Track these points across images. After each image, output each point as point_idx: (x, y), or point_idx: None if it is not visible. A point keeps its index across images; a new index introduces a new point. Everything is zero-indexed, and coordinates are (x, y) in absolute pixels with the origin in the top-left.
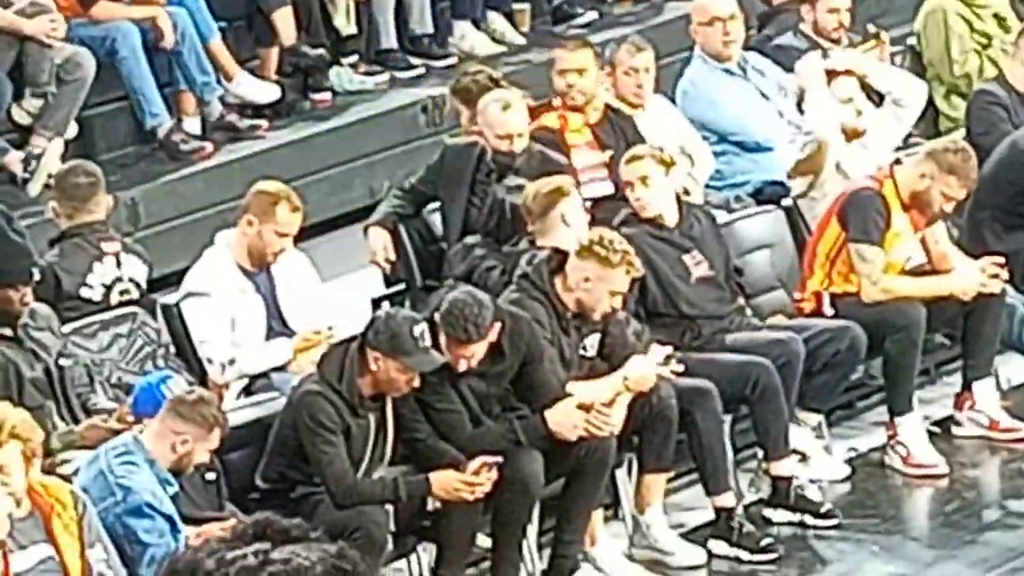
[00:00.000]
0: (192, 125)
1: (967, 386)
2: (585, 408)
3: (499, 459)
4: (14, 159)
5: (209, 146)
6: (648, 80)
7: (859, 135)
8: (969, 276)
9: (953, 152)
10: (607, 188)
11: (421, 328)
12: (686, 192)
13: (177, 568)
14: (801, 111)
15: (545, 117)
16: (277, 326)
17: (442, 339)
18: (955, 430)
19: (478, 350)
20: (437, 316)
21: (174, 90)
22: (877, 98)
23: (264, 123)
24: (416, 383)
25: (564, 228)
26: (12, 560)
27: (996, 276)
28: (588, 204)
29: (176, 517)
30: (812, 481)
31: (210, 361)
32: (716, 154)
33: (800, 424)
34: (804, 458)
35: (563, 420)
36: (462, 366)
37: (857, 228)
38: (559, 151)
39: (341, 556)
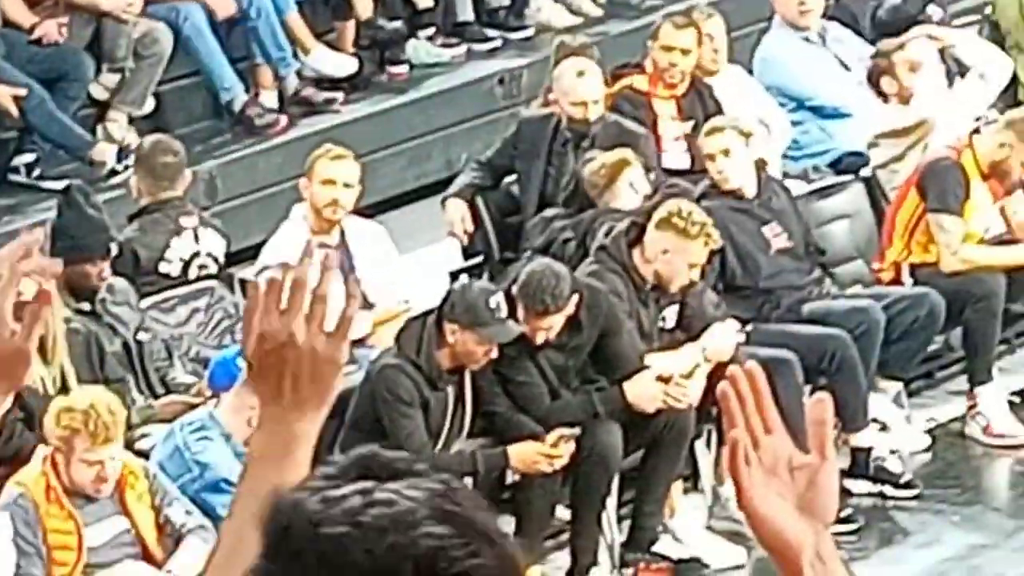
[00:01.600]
0: (269, 99)
1: None
2: (664, 380)
3: (577, 431)
4: (107, 151)
5: (284, 120)
6: (723, 46)
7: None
8: None
9: None
10: (685, 160)
11: (497, 299)
12: (764, 163)
13: (280, 507)
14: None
15: (634, 78)
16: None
17: (520, 311)
18: None
19: (556, 322)
20: (515, 288)
21: (250, 64)
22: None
23: (340, 96)
24: (494, 355)
25: (633, 195)
26: (87, 534)
27: None
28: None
29: None
30: (892, 452)
31: None
32: (793, 123)
33: (880, 392)
34: (884, 427)
35: (641, 392)
36: (540, 338)
37: (936, 198)
38: (645, 114)
39: (446, 496)
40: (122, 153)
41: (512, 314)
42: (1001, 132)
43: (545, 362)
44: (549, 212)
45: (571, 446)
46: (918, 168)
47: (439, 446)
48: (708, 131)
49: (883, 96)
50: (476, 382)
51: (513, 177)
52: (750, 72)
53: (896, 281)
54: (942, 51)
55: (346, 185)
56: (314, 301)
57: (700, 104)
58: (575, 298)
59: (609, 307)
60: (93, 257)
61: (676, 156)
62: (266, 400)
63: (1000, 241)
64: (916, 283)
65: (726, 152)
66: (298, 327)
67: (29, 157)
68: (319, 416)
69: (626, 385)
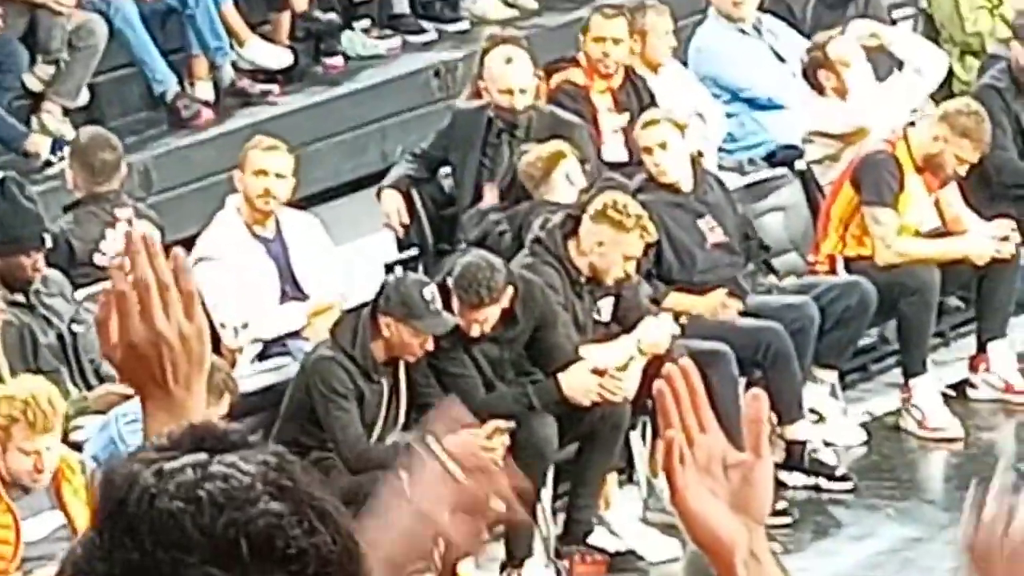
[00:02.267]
0: (204, 90)
1: (981, 348)
2: (599, 373)
3: (512, 424)
4: (41, 143)
5: (210, 112)
6: (667, 39)
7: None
8: (983, 239)
9: (966, 115)
10: (623, 153)
11: (431, 291)
12: (700, 155)
13: (114, 480)
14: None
15: (571, 72)
16: (291, 290)
17: (455, 303)
18: (970, 393)
19: (491, 314)
20: (450, 280)
21: (186, 55)
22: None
23: (276, 88)
24: (430, 347)
25: (568, 187)
26: (25, 528)
27: (1006, 239)
28: (606, 168)
29: None
30: (827, 444)
31: (223, 326)
32: (728, 115)
33: (817, 383)
34: (821, 419)
35: (576, 385)
36: (475, 331)
37: (870, 191)
38: (584, 107)
39: (280, 468)
40: (57, 145)
41: (447, 306)
42: (935, 126)
43: (480, 354)
44: (484, 205)
45: (505, 439)
46: (853, 161)
47: (374, 437)
48: (644, 124)
49: (819, 89)
50: (411, 374)
51: (448, 169)
52: (685, 64)
53: (831, 273)
54: (879, 47)
55: (278, 176)
56: (160, 290)
57: (635, 96)
58: (510, 290)
59: (544, 299)
60: (27, 249)
61: (614, 149)
62: (149, 393)
63: (935, 234)
64: (849, 272)
65: (663, 145)
66: (162, 324)
67: None
68: (203, 380)
69: (561, 377)
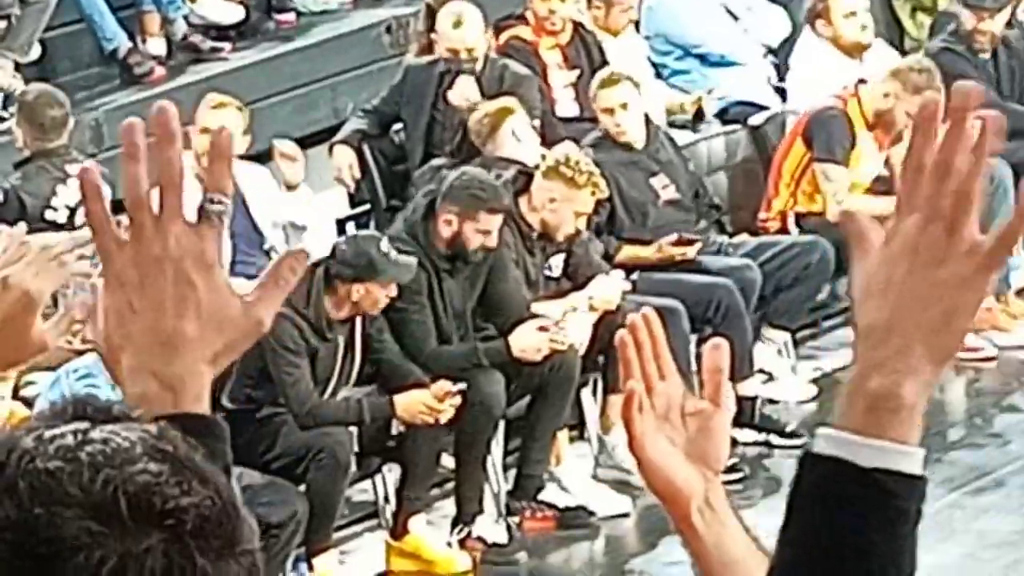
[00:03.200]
0: (157, 46)
1: None
2: (544, 328)
3: (463, 386)
4: None
5: (162, 69)
6: (631, 6)
7: None
8: None
9: (918, 72)
10: (574, 109)
11: (385, 243)
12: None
13: None
14: None
15: (519, 29)
16: (250, 239)
17: (447, 220)
18: None
19: (496, 224)
20: (445, 191)
21: (138, 11)
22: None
23: (228, 45)
24: (393, 292)
25: (516, 143)
26: None
27: None
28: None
29: None
30: (776, 401)
31: None
32: (680, 71)
33: (766, 343)
34: (771, 377)
35: (526, 344)
36: (476, 241)
37: (822, 147)
38: (534, 63)
39: (160, 436)
40: (8, 100)
41: (434, 230)
42: (886, 82)
43: (444, 303)
44: (437, 161)
45: (457, 400)
46: (802, 117)
47: (327, 394)
48: (603, 83)
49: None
50: (365, 330)
51: (400, 125)
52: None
53: (783, 231)
54: None
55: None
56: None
57: (585, 53)
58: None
59: (496, 249)
60: None
61: (565, 105)
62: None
63: (886, 191)
64: (803, 232)
65: (624, 106)
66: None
67: None
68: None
69: (511, 338)
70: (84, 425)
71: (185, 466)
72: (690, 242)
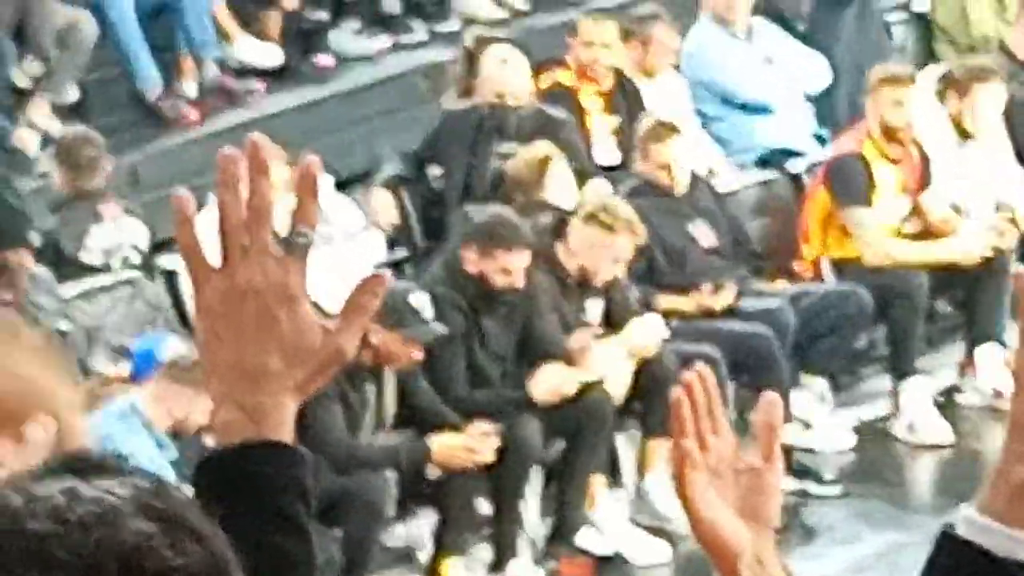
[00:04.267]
0: (191, 89)
1: (970, 353)
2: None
3: (499, 427)
4: (28, 139)
5: (195, 113)
6: (667, 51)
7: None
8: (972, 238)
9: (886, 70)
10: (615, 156)
11: (417, 298)
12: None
13: None
14: None
15: (560, 74)
16: None
17: (474, 260)
18: (958, 399)
19: (518, 263)
20: (470, 232)
21: (175, 53)
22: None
23: (260, 85)
24: (418, 356)
25: (558, 188)
26: None
27: (1003, 233)
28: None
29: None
30: (814, 450)
31: None
32: (718, 119)
33: (804, 389)
34: (807, 425)
35: (547, 386)
36: (501, 281)
37: (843, 192)
38: (573, 109)
39: (155, 493)
40: (45, 142)
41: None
42: (874, 96)
43: (487, 338)
44: (472, 207)
45: (495, 442)
46: (823, 166)
47: (363, 439)
48: (657, 137)
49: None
50: (398, 375)
51: (438, 170)
52: (676, 68)
53: (816, 278)
54: None
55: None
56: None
57: (624, 99)
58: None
59: (532, 286)
60: (13, 246)
61: (606, 152)
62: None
63: (919, 235)
64: (840, 278)
65: (677, 160)
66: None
67: None
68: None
69: (531, 384)
70: (73, 483)
71: (178, 524)
72: (726, 288)
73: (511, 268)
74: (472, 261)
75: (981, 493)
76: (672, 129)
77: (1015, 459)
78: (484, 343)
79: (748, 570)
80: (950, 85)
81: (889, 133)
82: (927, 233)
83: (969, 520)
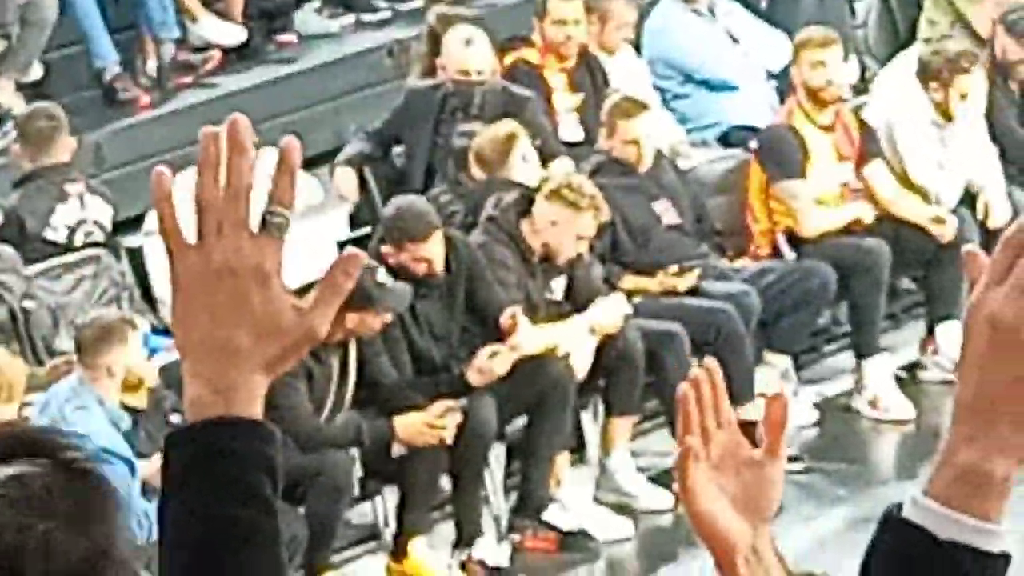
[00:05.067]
0: (151, 68)
1: (931, 331)
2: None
3: (463, 402)
4: None
5: (147, 98)
6: (627, 26)
7: None
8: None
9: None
10: (578, 133)
11: (380, 271)
12: None
13: None
14: None
15: (525, 51)
16: None
17: (393, 251)
18: (921, 375)
19: (434, 250)
20: (385, 224)
21: (137, 33)
22: None
23: (216, 54)
24: (388, 319)
25: (524, 166)
26: None
27: (942, 222)
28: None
29: (132, 456)
30: None
31: (165, 304)
32: (681, 96)
33: (768, 367)
34: None
35: (480, 372)
36: (421, 269)
37: (776, 167)
38: (538, 86)
39: (48, 487)
40: (5, 120)
41: (386, 265)
42: (797, 60)
43: (423, 324)
44: (436, 190)
45: (458, 417)
46: (756, 141)
47: (323, 417)
48: (625, 113)
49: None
50: (361, 352)
51: (400, 148)
52: (637, 47)
53: (774, 253)
54: None
55: None
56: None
57: (590, 76)
58: (440, 232)
59: (470, 253)
60: None
61: (569, 129)
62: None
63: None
64: (798, 252)
65: (647, 136)
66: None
67: None
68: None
69: (467, 374)
70: None
71: (37, 507)
72: (690, 269)
73: (426, 256)
74: (389, 255)
75: (929, 474)
76: (641, 106)
77: (960, 441)
78: (420, 327)
79: (745, 563)
80: (931, 75)
81: (814, 96)
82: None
83: (914, 501)
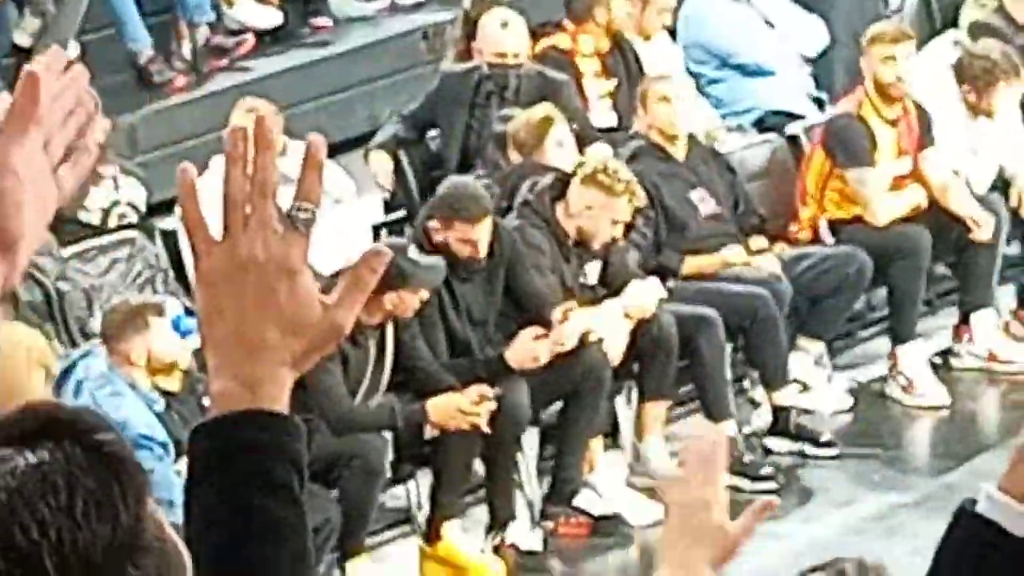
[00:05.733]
0: (186, 51)
1: (964, 318)
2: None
3: (498, 391)
4: None
5: (182, 80)
6: (667, 9)
7: None
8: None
9: (882, 29)
10: (611, 119)
11: (412, 249)
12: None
13: None
14: None
15: (557, 37)
16: None
17: (442, 231)
18: (953, 362)
19: (482, 234)
20: (435, 204)
21: (172, 15)
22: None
23: (250, 37)
24: (425, 295)
25: (559, 151)
26: None
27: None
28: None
29: (168, 440)
30: (811, 411)
31: None
32: (717, 81)
33: (802, 352)
34: (805, 388)
35: (520, 355)
36: (463, 252)
37: (845, 154)
38: (570, 72)
39: (67, 471)
40: None
41: (430, 245)
42: (868, 55)
43: (462, 306)
44: (473, 174)
45: (492, 405)
46: (822, 127)
47: (358, 399)
48: (656, 78)
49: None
50: (398, 336)
51: (436, 131)
52: (673, 32)
53: (815, 240)
54: None
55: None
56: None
57: (623, 62)
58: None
59: (511, 240)
60: None
61: (602, 114)
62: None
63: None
64: (838, 241)
65: (676, 97)
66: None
67: None
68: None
69: (506, 354)
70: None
71: (31, 501)
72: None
73: (472, 239)
74: (436, 231)
75: (1007, 470)
76: (681, 89)
77: None
78: (459, 310)
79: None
80: (966, 79)
81: (882, 91)
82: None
83: (989, 497)
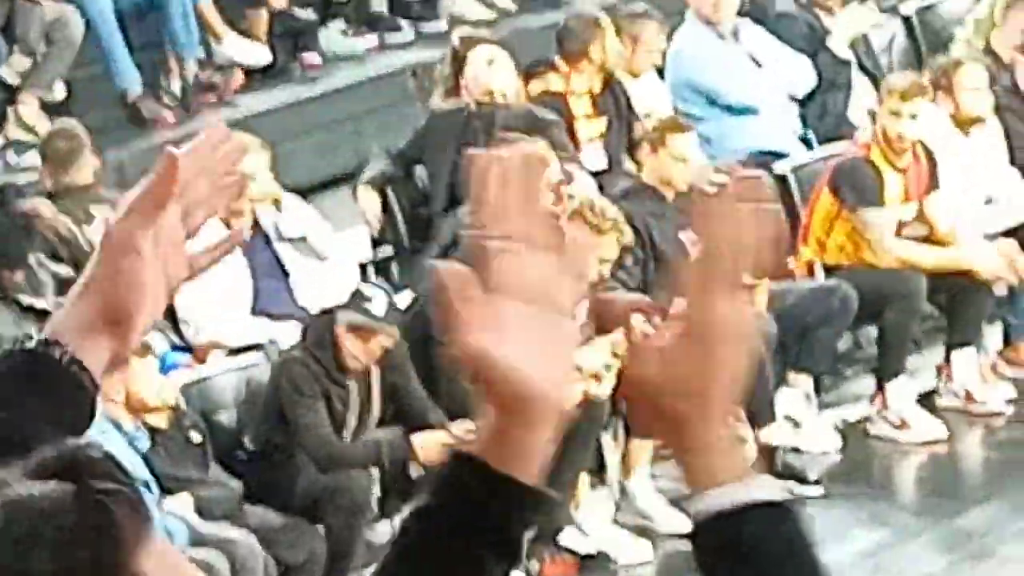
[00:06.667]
0: (175, 88)
1: (948, 357)
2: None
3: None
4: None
5: (171, 116)
6: (655, 49)
7: None
8: (992, 255)
9: (897, 80)
10: (602, 161)
11: (369, 289)
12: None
13: None
14: None
15: (549, 79)
16: (278, 282)
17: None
18: (937, 401)
19: None
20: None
21: (161, 52)
22: None
23: (240, 73)
24: (387, 344)
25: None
26: None
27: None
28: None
29: (150, 479)
30: (798, 449)
31: (186, 323)
32: (703, 119)
33: (791, 388)
34: (796, 424)
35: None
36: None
37: (854, 194)
38: (561, 115)
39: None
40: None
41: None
42: (885, 104)
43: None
44: (464, 209)
45: None
46: (828, 169)
47: (348, 436)
48: (671, 127)
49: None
50: (384, 374)
51: (424, 169)
52: (660, 71)
53: (808, 277)
54: None
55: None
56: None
57: (613, 102)
58: None
59: None
60: (11, 266)
61: (593, 157)
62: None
63: (925, 240)
64: (831, 278)
65: (693, 159)
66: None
67: None
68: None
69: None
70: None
71: (30, 533)
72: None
73: None
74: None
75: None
76: (682, 128)
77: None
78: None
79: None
80: (936, 86)
81: (889, 142)
82: (929, 240)
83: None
